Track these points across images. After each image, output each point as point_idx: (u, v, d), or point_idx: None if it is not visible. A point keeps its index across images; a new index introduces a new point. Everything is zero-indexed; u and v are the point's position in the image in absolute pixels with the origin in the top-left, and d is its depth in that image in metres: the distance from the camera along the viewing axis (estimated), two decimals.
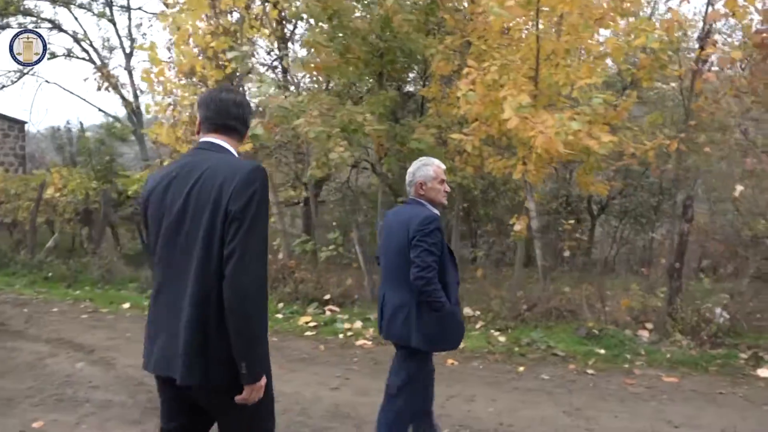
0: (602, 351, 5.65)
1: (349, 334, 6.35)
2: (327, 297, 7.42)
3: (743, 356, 5.45)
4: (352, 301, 7.43)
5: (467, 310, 6.96)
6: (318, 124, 6.78)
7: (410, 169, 3.26)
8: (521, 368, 5.34)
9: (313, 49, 7.47)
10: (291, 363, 5.38)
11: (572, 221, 8.59)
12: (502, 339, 6.08)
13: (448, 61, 7.21)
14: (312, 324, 6.68)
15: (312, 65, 7.64)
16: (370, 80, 9.05)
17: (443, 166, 3.26)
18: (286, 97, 7.07)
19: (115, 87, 19.53)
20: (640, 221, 13.79)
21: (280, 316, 7.02)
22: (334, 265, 8.98)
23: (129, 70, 19.01)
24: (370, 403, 4.38)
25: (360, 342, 6.12)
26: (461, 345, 6.05)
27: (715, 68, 6.66)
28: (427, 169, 3.20)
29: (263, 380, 2.00)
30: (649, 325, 6.33)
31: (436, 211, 3.19)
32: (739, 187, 6.32)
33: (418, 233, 2.99)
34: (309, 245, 8.80)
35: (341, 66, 7.95)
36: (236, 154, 2.16)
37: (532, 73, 6.65)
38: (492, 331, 6.35)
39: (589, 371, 5.22)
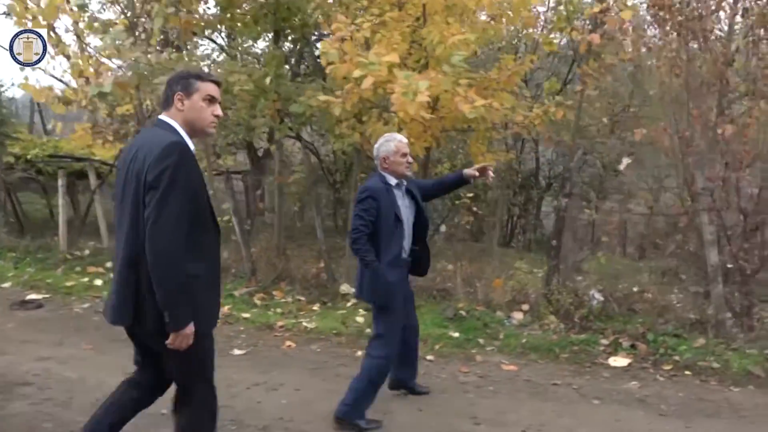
0: (456, 334, 5.24)
1: None
2: None
3: (604, 342, 5.05)
4: (225, 276, 6.95)
5: (344, 287, 6.55)
6: None
7: (375, 145, 3.58)
8: (360, 353, 4.90)
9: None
10: (109, 343, 4.84)
11: (471, 195, 8.07)
12: (360, 320, 5.66)
13: (328, 17, 6.60)
14: None
15: (183, 21, 6.99)
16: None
17: (405, 141, 3.56)
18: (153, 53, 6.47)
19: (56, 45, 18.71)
20: (586, 197, 13.42)
21: None
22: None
23: (77, 33, 18.25)
24: None
25: None
26: (311, 325, 5.69)
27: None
28: (389, 144, 3.50)
29: (189, 328, 2.28)
30: (525, 307, 5.93)
31: (395, 181, 3.49)
32: (626, 160, 5.86)
33: (354, 201, 3.47)
34: None
35: (225, 22, 7.35)
36: (175, 126, 2.41)
37: (411, 31, 6.10)
38: (360, 309, 5.93)
39: (429, 357, 4.80)
